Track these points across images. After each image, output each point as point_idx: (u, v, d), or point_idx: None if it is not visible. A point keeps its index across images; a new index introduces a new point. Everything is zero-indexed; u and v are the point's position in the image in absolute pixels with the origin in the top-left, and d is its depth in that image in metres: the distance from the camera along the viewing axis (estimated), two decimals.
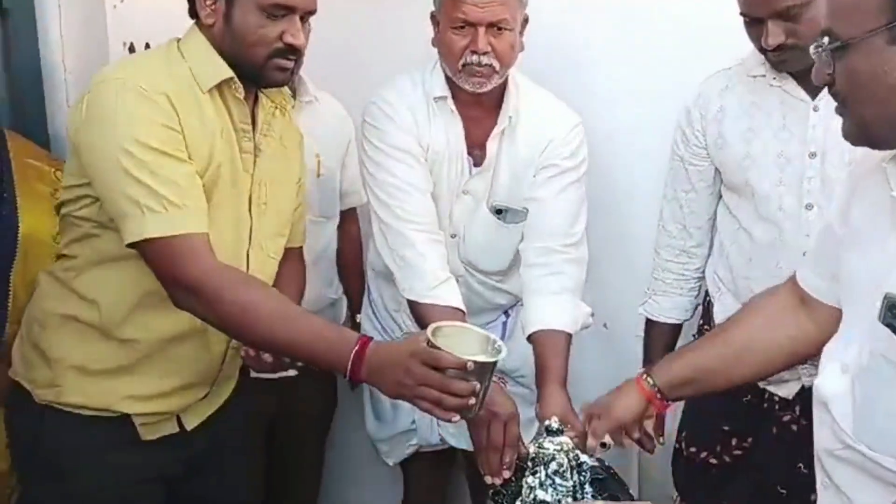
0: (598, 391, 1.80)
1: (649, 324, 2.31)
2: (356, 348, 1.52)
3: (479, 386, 1.48)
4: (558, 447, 1.59)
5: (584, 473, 1.60)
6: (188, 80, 1.66)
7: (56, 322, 1.74)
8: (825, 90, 1.91)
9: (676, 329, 2.30)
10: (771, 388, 2.09)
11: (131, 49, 2.44)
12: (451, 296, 2.00)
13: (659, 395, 1.70)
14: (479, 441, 1.74)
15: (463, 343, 1.51)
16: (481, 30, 1.95)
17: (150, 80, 1.60)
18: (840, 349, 1.33)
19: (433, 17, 2.07)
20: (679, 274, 2.24)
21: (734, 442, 2.16)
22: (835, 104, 1.31)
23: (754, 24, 1.89)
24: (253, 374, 1.94)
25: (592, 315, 2.11)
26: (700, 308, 2.28)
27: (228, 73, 1.67)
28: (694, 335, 2.28)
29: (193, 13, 1.71)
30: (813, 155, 1.94)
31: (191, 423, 1.83)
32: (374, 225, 2.13)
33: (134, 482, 1.77)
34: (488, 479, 1.71)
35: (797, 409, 2.06)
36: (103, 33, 2.43)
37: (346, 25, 2.59)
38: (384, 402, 2.37)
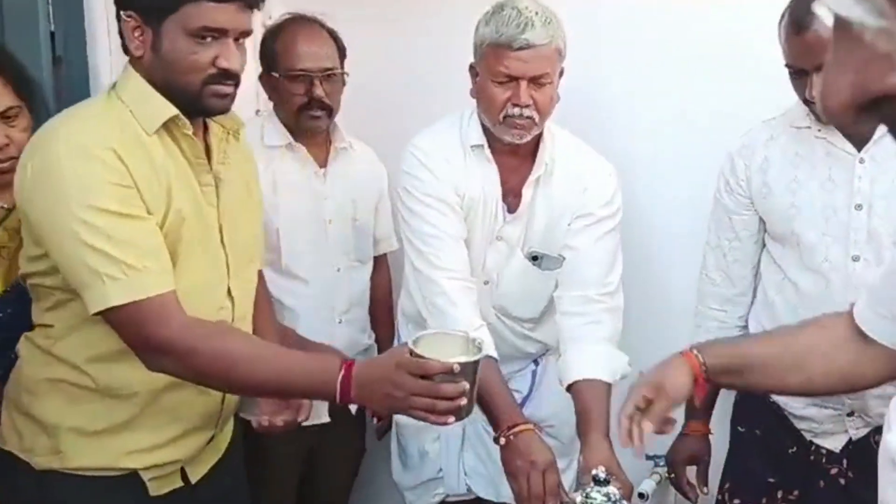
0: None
1: None
2: (342, 373, 1.52)
3: (467, 386, 1.50)
4: (605, 497, 1.58)
5: None
6: (132, 126, 1.57)
7: (45, 388, 1.66)
8: (871, 142, 1.92)
9: None
10: (818, 441, 2.06)
11: None
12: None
13: (704, 375, 1.61)
14: (520, 491, 1.74)
15: (445, 348, 1.54)
16: (523, 83, 1.95)
17: (94, 135, 1.53)
18: None
19: (472, 68, 2.07)
20: (722, 322, 2.21)
21: (780, 494, 2.12)
22: (880, 157, 1.30)
23: (799, 76, 1.89)
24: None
25: (630, 364, 2.10)
26: None
27: (172, 111, 1.58)
28: None
29: (126, 48, 1.62)
30: (859, 207, 1.93)
31: (195, 475, 1.77)
32: (406, 270, 2.14)
33: None
34: None
35: (844, 461, 2.02)
36: None
37: (380, 73, 2.63)
38: (411, 450, 2.35)
